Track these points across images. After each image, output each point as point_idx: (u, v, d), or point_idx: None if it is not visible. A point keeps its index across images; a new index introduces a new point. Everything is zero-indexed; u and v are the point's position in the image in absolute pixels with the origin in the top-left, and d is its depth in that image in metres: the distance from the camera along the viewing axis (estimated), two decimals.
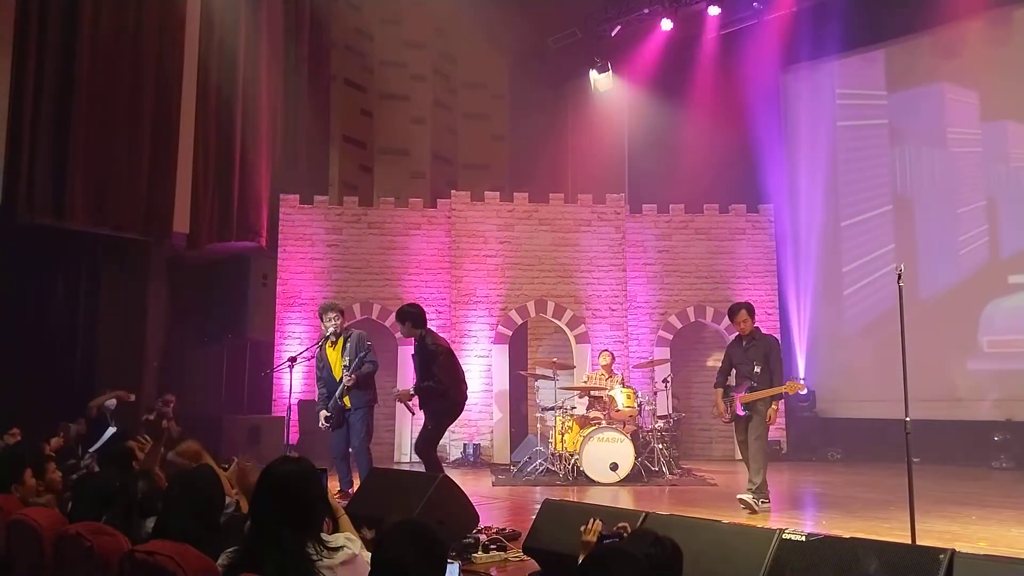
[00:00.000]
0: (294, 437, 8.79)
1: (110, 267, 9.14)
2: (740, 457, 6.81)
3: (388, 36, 12.72)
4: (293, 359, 6.75)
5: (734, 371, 6.50)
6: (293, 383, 7.18)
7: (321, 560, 2.18)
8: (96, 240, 8.81)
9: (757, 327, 6.58)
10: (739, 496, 6.26)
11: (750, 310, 6.51)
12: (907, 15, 10.04)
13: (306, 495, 2.29)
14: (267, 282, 10.03)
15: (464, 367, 9.98)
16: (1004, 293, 9.52)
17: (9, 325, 8.23)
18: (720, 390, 6.55)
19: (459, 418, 9.86)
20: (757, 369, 6.28)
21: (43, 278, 8.59)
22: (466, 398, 6.53)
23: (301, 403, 8.89)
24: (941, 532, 4.99)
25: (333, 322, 6.48)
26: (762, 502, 6.21)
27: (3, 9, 7.99)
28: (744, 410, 6.31)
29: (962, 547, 2.81)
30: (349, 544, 2.28)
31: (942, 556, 2.70)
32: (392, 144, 12.70)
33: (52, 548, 2.60)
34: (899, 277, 4.78)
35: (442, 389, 6.19)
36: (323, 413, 6.39)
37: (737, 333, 6.59)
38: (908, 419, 4.63)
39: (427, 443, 6.29)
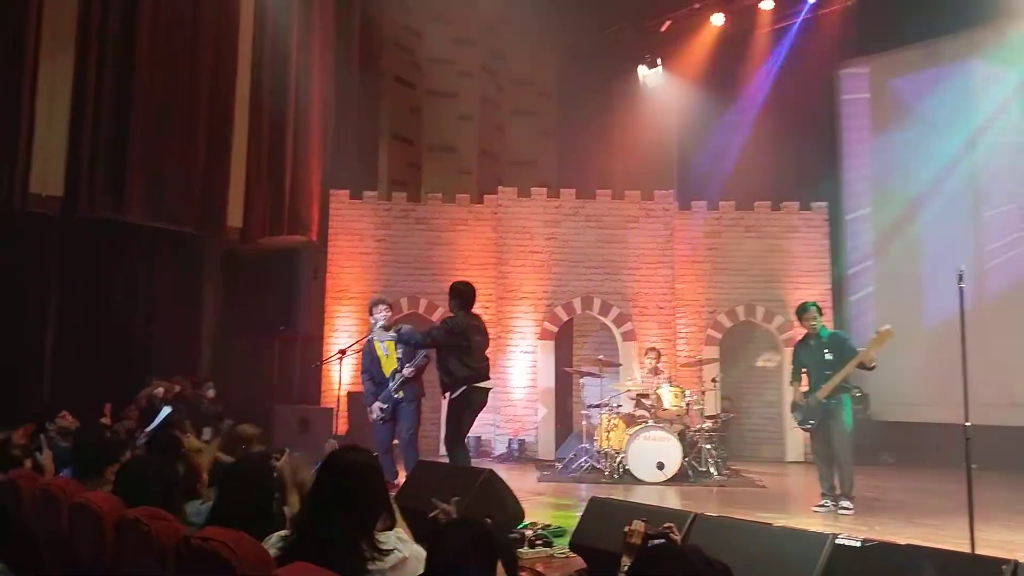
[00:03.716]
0: (343, 428, 8.91)
1: (166, 260, 9.39)
2: (812, 461, 6.75)
3: (437, 33, 12.78)
4: (343, 351, 6.85)
5: (806, 376, 6.45)
6: (342, 375, 7.30)
7: (372, 562, 2.18)
8: (153, 234, 9.05)
9: (824, 325, 6.54)
10: (841, 509, 6.13)
11: (819, 309, 6.50)
12: (965, 6, 9.69)
13: (368, 487, 2.28)
14: (317, 276, 10.19)
15: (509, 363, 10.11)
16: None
17: (68, 314, 8.52)
18: (796, 385, 6.48)
19: (505, 413, 10.01)
20: (829, 356, 6.19)
21: (101, 270, 8.86)
22: (477, 387, 6.15)
23: (350, 395, 9.01)
24: (1002, 542, 4.82)
25: (382, 315, 6.55)
26: (845, 508, 6.13)
27: (66, 10, 8.26)
28: (828, 400, 6.17)
29: None
30: (400, 546, 2.25)
31: (1005, 567, 2.60)
32: (440, 141, 12.76)
33: (112, 531, 2.67)
34: (960, 278, 4.64)
35: (417, 339, 6.14)
36: (379, 405, 6.44)
37: (804, 335, 6.54)
38: (968, 423, 4.48)
39: (450, 435, 6.18)
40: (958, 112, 10.22)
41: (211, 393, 8.28)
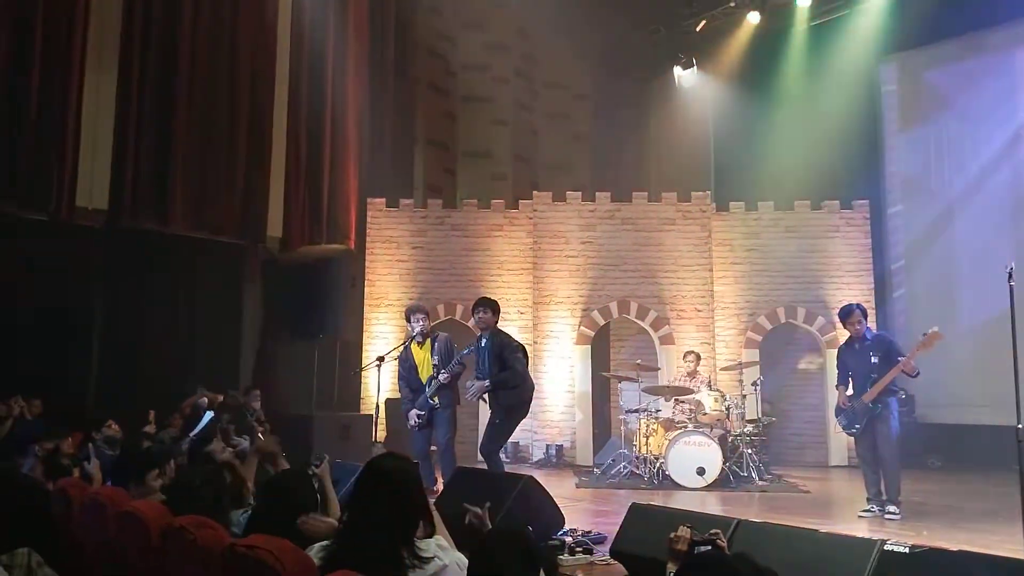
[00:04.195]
0: (381, 435, 8.97)
1: (207, 270, 9.57)
2: (856, 465, 6.62)
3: (470, 39, 12.85)
4: (381, 358, 6.90)
5: (851, 381, 6.35)
6: (381, 382, 7.35)
7: (412, 569, 2.18)
8: (195, 244, 9.23)
9: (868, 327, 6.44)
10: (888, 514, 6.05)
11: (863, 311, 6.41)
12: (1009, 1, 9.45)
13: (407, 494, 2.27)
14: (355, 283, 10.30)
15: (546, 368, 10.11)
16: None
17: (112, 325, 8.73)
18: (843, 388, 6.39)
19: (542, 419, 9.99)
20: (875, 360, 6.10)
21: (144, 280, 9.06)
22: (532, 398, 6.57)
23: (388, 401, 9.08)
24: None
25: (420, 323, 6.59)
26: (893, 513, 6.04)
27: (109, 27, 8.49)
28: (874, 404, 6.08)
29: None
30: (440, 554, 2.25)
31: None
32: (475, 146, 12.82)
33: (159, 539, 2.72)
34: (1010, 276, 4.52)
35: (517, 381, 6.21)
36: (415, 413, 6.49)
37: (848, 337, 6.44)
38: (1021, 425, 4.36)
39: (493, 441, 6.33)
40: (1000, 107, 9.96)
41: (257, 403, 8.40)
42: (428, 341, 6.59)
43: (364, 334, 10.25)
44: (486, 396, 6.42)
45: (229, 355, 9.69)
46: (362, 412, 9.44)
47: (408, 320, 6.76)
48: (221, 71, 9.24)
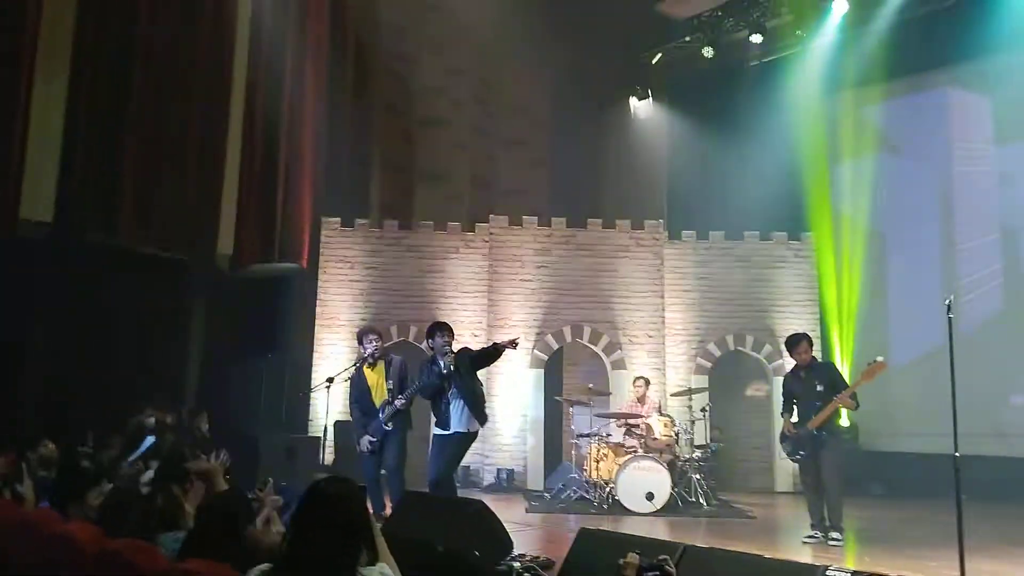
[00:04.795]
0: (329, 457, 8.82)
1: (155, 286, 9.34)
2: (798, 491, 6.72)
3: (429, 62, 12.90)
4: (331, 379, 6.79)
5: (796, 409, 6.46)
6: (330, 403, 7.24)
7: None
8: (142, 259, 9.02)
9: (814, 356, 6.57)
10: (831, 540, 6.14)
11: (810, 340, 6.57)
12: (945, 41, 9.87)
13: (350, 519, 2.22)
14: (307, 303, 10.16)
15: (498, 392, 10.08)
16: None
17: (53, 341, 8.44)
18: (787, 416, 6.49)
19: (493, 443, 9.95)
20: (820, 388, 6.22)
21: (89, 296, 8.80)
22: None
23: (337, 423, 8.94)
24: (990, 573, 4.81)
25: (372, 345, 6.50)
26: (836, 539, 6.12)
27: (61, 35, 8.30)
28: (818, 432, 6.18)
29: None
30: None
31: None
32: (432, 169, 12.82)
33: (92, 563, 2.62)
34: (948, 309, 4.68)
35: (481, 402, 6.26)
36: (368, 439, 6.37)
37: (793, 366, 6.58)
38: (957, 454, 4.49)
39: (449, 467, 6.26)
40: (936, 146, 10.39)
41: (205, 426, 8.19)
42: (381, 364, 6.50)
43: (315, 354, 10.11)
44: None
45: (175, 373, 9.45)
46: (310, 434, 9.28)
47: (360, 342, 6.67)
48: (175, 83, 9.11)
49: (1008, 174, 9.89)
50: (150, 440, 6.53)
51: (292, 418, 9.75)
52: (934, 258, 10.29)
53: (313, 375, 9.81)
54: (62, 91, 8.26)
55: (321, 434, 7.25)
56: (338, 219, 10.54)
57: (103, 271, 8.82)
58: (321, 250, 10.46)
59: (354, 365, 6.84)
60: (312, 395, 9.28)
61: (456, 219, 11.03)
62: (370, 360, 6.51)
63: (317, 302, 10.29)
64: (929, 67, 10.42)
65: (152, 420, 7.54)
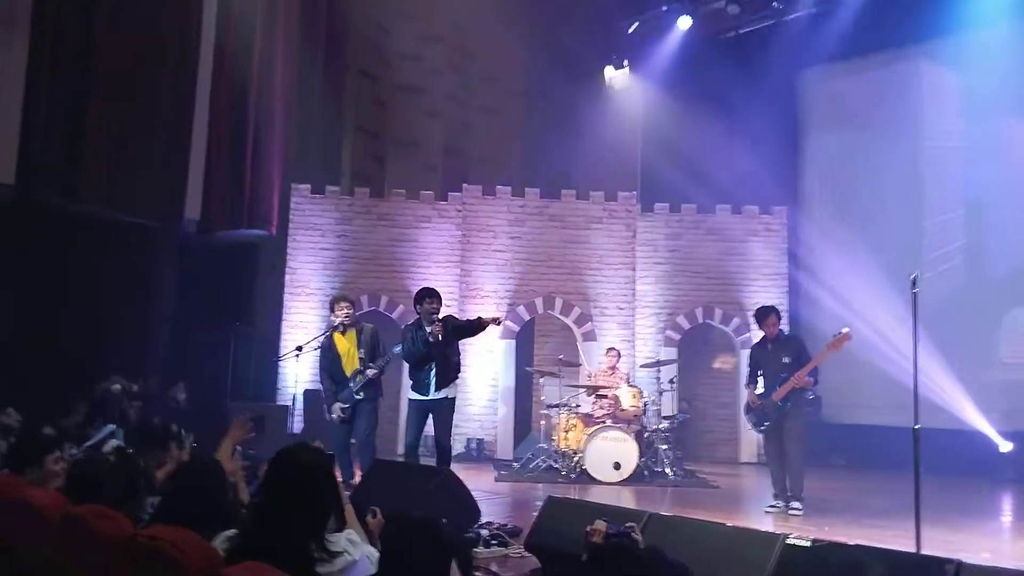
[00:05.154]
0: (299, 426, 8.80)
1: (119, 251, 9.17)
2: (762, 462, 6.85)
3: (405, 28, 12.68)
4: (300, 348, 6.75)
5: (761, 379, 6.54)
6: (299, 373, 7.19)
7: (320, 563, 2.13)
8: (106, 223, 8.84)
9: (781, 329, 6.66)
10: (792, 509, 6.25)
11: (778, 313, 6.69)
12: (933, 18, 9.91)
13: (319, 487, 2.23)
14: (275, 270, 10.05)
15: (470, 362, 10.09)
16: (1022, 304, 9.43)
17: (15, 308, 8.27)
18: (752, 387, 6.57)
19: (464, 413, 9.98)
20: (787, 360, 6.32)
21: (52, 261, 8.62)
22: None
23: (307, 392, 8.90)
24: (945, 542, 4.95)
25: (344, 312, 6.46)
26: (796, 508, 6.23)
27: None
28: (783, 403, 6.27)
29: (967, 558, 2.79)
30: (350, 548, 2.21)
31: (948, 567, 2.68)
32: (405, 136, 12.68)
33: (54, 530, 2.59)
34: (913, 284, 4.74)
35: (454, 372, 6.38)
36: (339, 407, 6.34)
37: (761, 338, 6.66)
38: (917, 427, 4.59)
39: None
40: (907, 122, 10.49)
41: (182, 396, 8.11)
42: (353, 332, 6.45)
43: (283, 323, 10.03)
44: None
45: (141, 341, 9.32)
46: (279, 403, 9.24)
47: (332, 309, 6.61)
48: (143, 41, 8.85)
49: (974, 150, 10.04)
50: (107, 430, 6.42)
51: (260, 387, 9.70)
52: (901, 233, 10.43)
53: (282, 344, 9.74)
54: (24, 47, 7.99)
55: (290, 403, 7.21)
56: (308, 186, 10.40)
57: (67, 236, 8.64)
58: (291, 217, 10.32)
59: (324, 333, 6.81)
60: (281, 364, 9.21)
61: (429, 188, 10.95)
62: (341, 328, 6.47)
63: (286, 270, 10.19)
64: (903, 42, 10.46)
65: (118, 387, 7.46)
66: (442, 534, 1.98)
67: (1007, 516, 6.54)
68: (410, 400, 6.38)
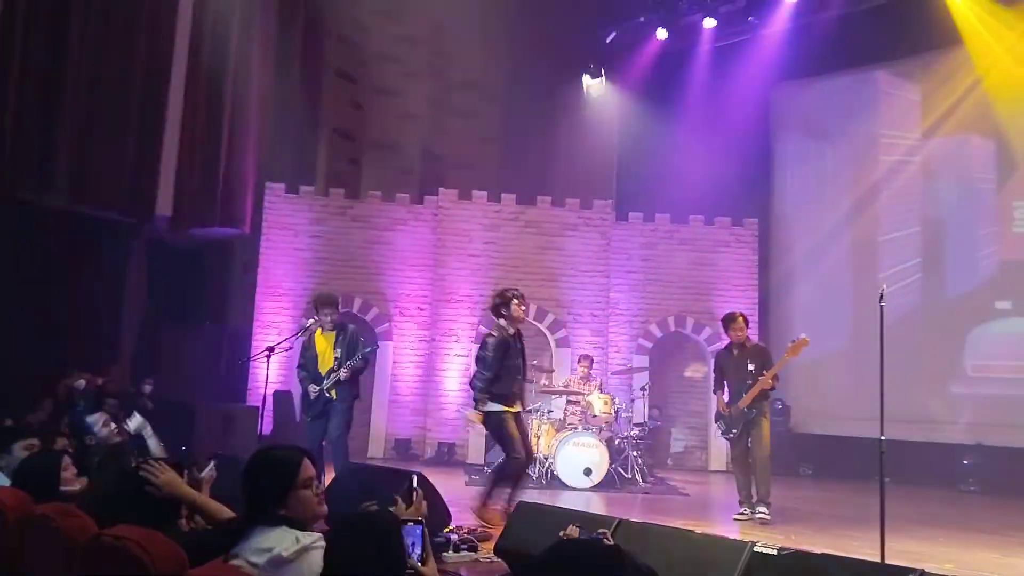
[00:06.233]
0: (268, 428, 8.71)
1: (90, 247, 9.02)
2: (731, 470, 6.91)
3: (383, 30, 12.65)
4: (271, 349, 6.68)
5: (726, 386, 6.60)
6: (269, 373, 7.10)
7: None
8: (77, 219, 8.69)
9: (748, 337, 6.74)
10: (758, 514, 6.31)
11: (745, 319, 6.70)
12: (899, 38, 10.12)
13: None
14: (248, 270, 9.95)
15: (443, 365, 10.08)
16: (989, 318, 9.62)
17: None
18: (720, 394, 6.63)
19: (436, 417, 9.96)
20: (752, 367, 6.37)
21: (19, 254, 8.46)
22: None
23: (276, 393, 8.82)
24: (909, 552, 5.03)
25: (330, 315, 6.41)
26: (763, 514, 6.31)
27: None
28: (749, 409, 6.34)
29: (930, 568, 2.83)
30: (302, 538, 2.22)
31: None
32: (382, 138, 12.63)
33: (16, 528, 2.54)
34: (881, 297, 4.83)
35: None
36: (313, 387, 6.29)
37: (727, 344, 6.70)
38: (883, 438, 4.66)
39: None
40: (869, 135, 10.71)
41: (147, 388, 7.98)
42: (332, 333, 6.41)
43: (255, 323, 9.93)
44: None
45: (109, 338, 9.17)
46: (248, 404, 9.14)
47: (318, 309, 6.54)
48: (116, 35, 8.73)
49: (932, 167, 10.26)
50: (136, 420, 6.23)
51: (230, 387, 9.59)
52: (862, 248, 10.63)
53: (253, 344, 9.64)
54: None
55: (259, 404, 7.13)
56: (283, 185, 10.32)
57: (36, 231, 8.48)
58: (264, 216, 10.23)
59: (295, 334, 6.76)
60: (251, 364, 9.11)
61: (405, 191, 10.92)
62: (323, 328, 6.42)
63: (259, 269, 10.09)
64: (870, 60, 10.66)
65: (83, 383, 7.34)
66: (389, 528, 1.97)
67: (971, 527, 6.65)
68: (511, 414, 5.87)
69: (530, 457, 5.97)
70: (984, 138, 9.91)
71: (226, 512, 2.66)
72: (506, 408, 5.77)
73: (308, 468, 2.37)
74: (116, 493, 2.61)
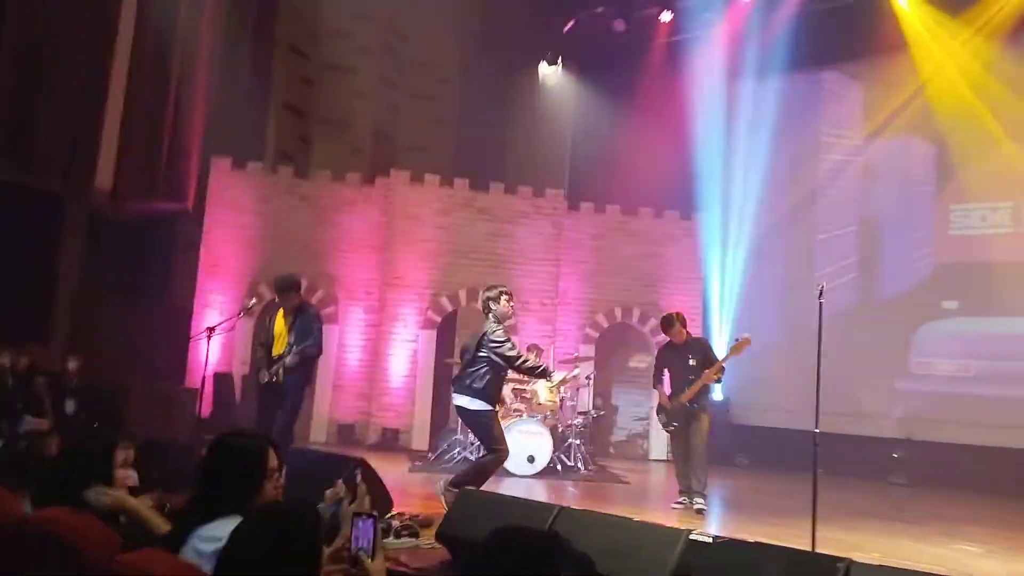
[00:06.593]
0: (207, 411, 8.53)
1: (24, 218, 8.66)
2: (671, 459, 7.02)
3: (337, 5, 12.38)
4: (212, 329, 6.54)
5: (667, 378, 6.68)
6: (210, 355, 6.97)
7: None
8: (11, 188, 8.34)
9: (688, 332, 6.80)
10: (695, 504, 6.41)
11: (683, 321, 6.72)
12: (848, 41, 10.35)
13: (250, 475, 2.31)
14: (190, 247, 9.70)
15: (389, 352, 10.01)
16: (925, 318, 9.94)
17: None
18: (661, 387, 6.72)
19: (381, 402, 9.89)
20: (692, 362, 6.48)
21: None
22: None
23: (217, 375, 8.64)
24: (839, 541, 5.20)
25: (291, 299, 6.28)
26: (700, 503, 6.42)
27: None
28: (690, 404, 6.45)
29: (858, 557, 2.93)
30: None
31: (840, 564, 2.81)
32: (333, 116, 12.40)
33: None
34: (820, 293, 4.95)
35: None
36: (262, 373, 6.20)
37: (668, 340, 6.78)
38: (817, 431, 4.80)
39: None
40: (824, 139, 10.97)
41: (72, 365, 7.73)
42: (291, 316, 6.27)
43: (196, 302, 9.69)
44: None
45: (42, 314, 8.84)
46: (187, 386, 8.93)
47: (281, 292, 6.36)
48: (57, 4, 8.35)
49: (872, 168, 10.56)
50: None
51: (168, 368, 9.35)
52: (800, 245, 10.90)
53: (193, 324, 9.41)
54: None
55: (199, 386, 6.97)
56: (229, 160, 10.07)
57: None
58: (209, 192, 9.97)
59: (244, 309, 6.79)
60: (191, 345, 8.90)
61: (355, 171, 10.76)
62: (287, 311, 6.29)
63: (202, 246, 9.84)
64: (821, 61, 10.88)
65: (7, 360, 7.07)
66: (295, 522, 1.94)
67: (897, 517, 6.91)
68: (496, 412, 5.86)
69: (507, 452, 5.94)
70: (925, 142, 10.23)
71: (163, 529, 2.58)
72: (494, 407, 5.77)
73: (272, 458, 2.35)
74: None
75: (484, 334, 5.63)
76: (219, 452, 2.35)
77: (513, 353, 5.60)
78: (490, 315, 5.71)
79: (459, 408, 5.78)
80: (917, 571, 2.94)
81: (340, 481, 2.92)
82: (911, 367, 10.00)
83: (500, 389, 5.86)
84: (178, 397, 8.39)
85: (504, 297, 5.74)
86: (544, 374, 5.82)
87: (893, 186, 10.39)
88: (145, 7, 9.31)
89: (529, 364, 5.72)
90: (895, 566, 2.95)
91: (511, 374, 8.18)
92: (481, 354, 5.60)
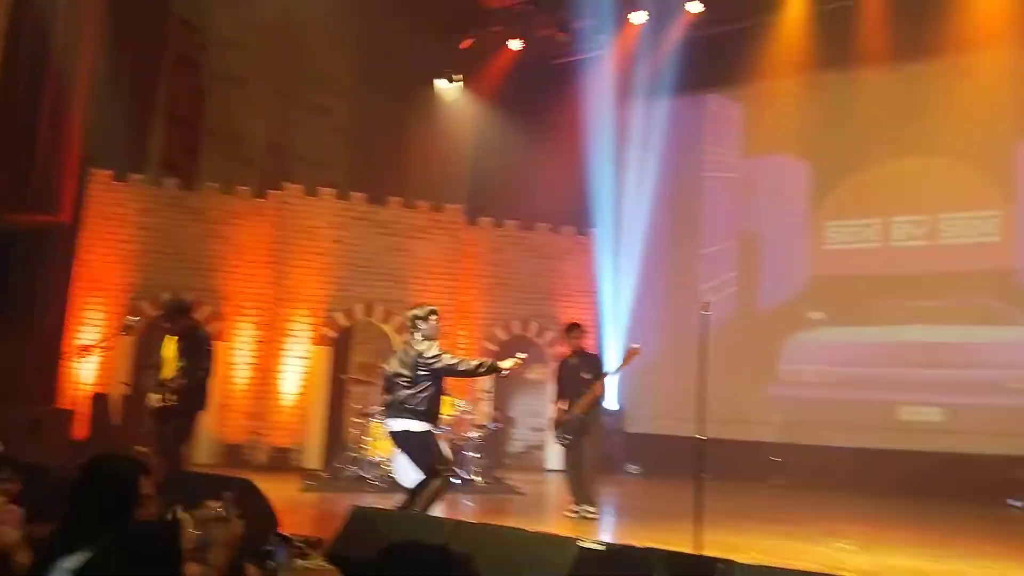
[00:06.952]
0: (84, 432, 8.04)
1: None
2: (563, 469, 7.14)
3: (229, 14, 12.03)
4: (87, 347, 6.19)
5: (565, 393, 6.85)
6: (87, 375, 6.59)
7: None
8: None
9: (582, 347, 7.07)
10: (586, 513, 6.51)
11: (582, 329, 7.18)
12: (731, 65, 10.88)
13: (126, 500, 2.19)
14: (64, 262, 9.14)
15: (281, 368, 9.73)
16: (802, 327, 10.49)
17: None
18: (559, 402, 6.87)
19: (271, 421, 9.59)
20: (587, 376, 6.73)
21: None
22: None
23: (96, 396, 8.16)
24: (722, 542, 5.38)
25: (181, 323, 5.99)
26: (591, 512, 6.55)
27: None
28: (584, 416, 6.62)
29: (740, 558, 3.05)
30: None
31: (720, 565, 2.93)
32: (223, 128, 12.00)
33: None
34: (706, 307, 5.18)
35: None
36: (150, 396, 5.92)
37: (565, 356, 6.98)
38: (703, 437, 4.99)
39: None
40: (711, 157, 11.48)
41: None
42: (182, 339, 5.98)
43: (71, 319, 9.13)
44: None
45: None
46: (60, 406, 8.38)
47: (172, 316, 6.06)
48: None
49: (751, 185, 11.14)
50: None
51: (38, 388, 8.74)
52: (684, 260, 11.35)
53: (68, 342, 8.85)
54: None
55: (73, 407, 6.57)
56: (110, 172, 9.58)
57: None
58: (87, 204, 9.45)
59: (125, 328, 6.28)
60: (65, 364, 8.38)
61: (246, 183, 10.44)
62: (172, 331, 5.99)
63: (77, 261, 9.29)
64: (706, 84, 11.40)
65: None
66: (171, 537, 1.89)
67: (777, 518, 7.24)
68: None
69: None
70: (801, 161, 10.86)
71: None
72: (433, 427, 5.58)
73: (146, 485, 2.24)
74: None
75: (418, 355, 5.45)
76: (90, 476, 2.23)
77: (455, 361, 5.52)
78: (417, 334, 5.59)
79: (402, 433, 5.48)
80: (793, 570, 3.09)
81: (210, 503, 2.81)
82: (780, 374, 10.56)
83: (440, 407, 5.68)
84: (48, 418, 7.84)
85: (433, 317, 5.63)
86: (493, 369, 5.70)
87: (771, 203, 10.97)
88: (20, 11, 8.75)
89: (474, 364, 5.65)
90: (773, 565, 3.10)
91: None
92: (421, 373, 5.42)
